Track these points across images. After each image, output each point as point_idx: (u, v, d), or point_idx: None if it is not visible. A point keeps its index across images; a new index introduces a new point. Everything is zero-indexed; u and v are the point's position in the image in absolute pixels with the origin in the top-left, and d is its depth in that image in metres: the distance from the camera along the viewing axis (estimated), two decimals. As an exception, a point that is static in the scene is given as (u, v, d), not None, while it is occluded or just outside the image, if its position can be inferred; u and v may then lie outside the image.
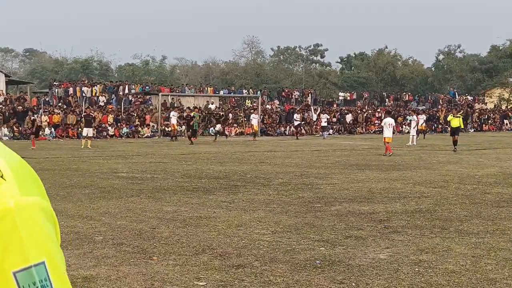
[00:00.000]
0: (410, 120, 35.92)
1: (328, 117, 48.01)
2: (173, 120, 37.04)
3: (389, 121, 24.96)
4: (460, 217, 9.26)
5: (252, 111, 43.96)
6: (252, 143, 33.81)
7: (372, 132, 50.92)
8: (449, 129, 30.63)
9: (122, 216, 9.21)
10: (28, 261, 0.86)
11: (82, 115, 32.34)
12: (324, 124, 43.08)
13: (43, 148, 27.24)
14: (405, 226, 8.53)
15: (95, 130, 40.17)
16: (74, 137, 38.09)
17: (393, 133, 25.73)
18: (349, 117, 53.43)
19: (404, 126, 52.50)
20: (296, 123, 42.58)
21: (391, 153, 23.08)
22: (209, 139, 36.50)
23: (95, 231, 8.05)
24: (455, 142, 25.89)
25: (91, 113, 31.43)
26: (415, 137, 32.75)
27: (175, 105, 49.72)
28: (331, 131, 48.53)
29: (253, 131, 39.09)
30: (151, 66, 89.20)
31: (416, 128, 33.97)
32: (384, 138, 24.13)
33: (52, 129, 38.89)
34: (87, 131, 29.13)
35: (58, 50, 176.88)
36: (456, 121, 27.00)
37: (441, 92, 78.63)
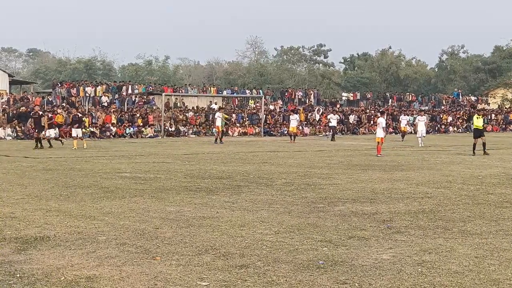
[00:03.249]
0: (418, 121, 33.85)
1: (339, 117, 46.75)
2: (218, 122, 34.82)
3: (379, 121, 24.79)
4: (463, 218, 9.25)
5: (291, 112, 41.74)
6: (255, 143, 33.83)
7: (375, 132, 50.84)
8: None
9: (125, 216, 9.22)
10: None
11: (70, 116, 31.55)
12: (333, 124, 41.17)
13: (46, 148, 27.26)
14: (408, 226, 8.53)
15: (98, 130, 40.30)
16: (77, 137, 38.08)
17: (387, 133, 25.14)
18: (352, 118, 53.41)
19: (408, 127, 52.40)
20: (333, 124, 40.67)
21: (379, 155, 22.81)
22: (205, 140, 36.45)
23: (98, 231, 8.07)
24: (483, 145, 23.69)
25: (78, 114, 30.73)
26: (421, 138, 31.46)
27: (178, 105, 49.83)
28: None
29: (292, 133, 36.73)
30: (154, 66, 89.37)
31: (423, 130, 32.24)
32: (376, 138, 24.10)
33: (57, 129, 38.85)
34: (76, 132, 28.58)
35: (62, 50, 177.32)
36: (480, 121, 24.78)
37: (444, 92, 78.58)
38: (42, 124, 28.34)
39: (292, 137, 36.01)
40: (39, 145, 27.17)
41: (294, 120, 37.33)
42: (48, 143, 27.84)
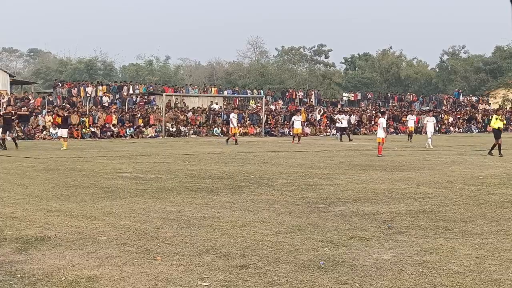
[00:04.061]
0: (426, 121, 32.43)
1: (349, 117, 45.62)
2: (234, 123, 33.39)
3: (380, 122, 24.73)
4: (464, 218, 9.25)
5: (296, 112, 39.88)
6: (256, 143, 33.79)
7: (376, 132, 50.78)
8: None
9: (126, 216, 9.22)
10: None
11: (57, 115, 29.42)
12: (345, 124, 40.12)
13: (47, 148, 27.27)
14: (409, 226, 8.53)
15: (99, 130, 40.31)
16: (78, 137, 38.16)
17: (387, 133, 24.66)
18: (353, 118, 53.38)
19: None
20: (343, 124, 39.62)
21: (380, 155, 22.80)
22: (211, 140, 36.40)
23: (99, 231, 8.07)
24: (499, 146, 23.58)
25: (64, 114, 29.54)
26: (431, 139, 30.27)
27: (179, 105, 49.84)
28: (334, 131, 48.39)
29: (296, 134, 34.95)
30: (155, 66, 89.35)
31: (432, 131, 31.06)
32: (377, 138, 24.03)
33: (57, 129, 38.84)
34: (62, 132, 27.84)
35: (62, 50, 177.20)
36: (498, 123, 24.35)
37: (445, 92, 78.59)
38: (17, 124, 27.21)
39: (296, 138, 34.61)
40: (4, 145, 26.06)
41: (297, 121, 36.04)
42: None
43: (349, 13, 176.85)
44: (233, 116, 34.05)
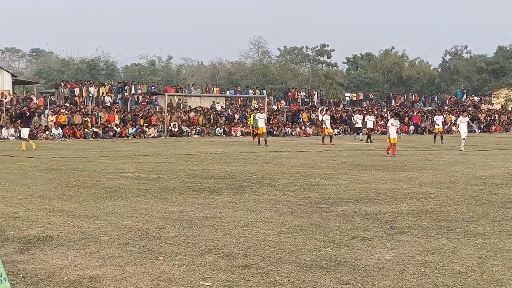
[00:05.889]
0: (459, 122, 29.87)
1: (374, 118, 44.57)
2: (261, 123, 32.29)
3: (391, 122, 24.55)
4: (466, 218, 9.24)
5: (324, 112, 38.58)
6: (258, 142, 33.74)
7: (378, 132, 50.82)
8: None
9: (128, 216, 9.23)
10: None
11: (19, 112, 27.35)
12: (370, 126, 39.15)
13: (50, 148, 27.29)
14: (411, 226, 8.52)
15: (101, 130, 40.33)
16: (80, 137, 38.19)
17: (398, 133, 24.36)
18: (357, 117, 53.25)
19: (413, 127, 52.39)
20: (369, 125, 38.69)
21: (388, 155, 22.79)
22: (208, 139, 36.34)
23: (101, 231, 8.07)
24: None
25: (25, 111, 27.95)
26: (464, 141, 28.12)
27: (181, 105, 49.86)
28: (336, 131, 48.33)
29: (328, 134, 34.06)
30: (157, 66, 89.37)
31: (466, 132, 28.72)
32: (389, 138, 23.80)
33: (60, 129, 38.91)
34: (25, 132, 26.03)
35: (65, 50, 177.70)
36: None
37: (447, 92, 78.54)
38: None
39: (327, 138, 33.38)
40: None
41: (327, 120, 34.89)
42: None
43: (352, 13, 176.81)
44: (259, 117, 32.87)
